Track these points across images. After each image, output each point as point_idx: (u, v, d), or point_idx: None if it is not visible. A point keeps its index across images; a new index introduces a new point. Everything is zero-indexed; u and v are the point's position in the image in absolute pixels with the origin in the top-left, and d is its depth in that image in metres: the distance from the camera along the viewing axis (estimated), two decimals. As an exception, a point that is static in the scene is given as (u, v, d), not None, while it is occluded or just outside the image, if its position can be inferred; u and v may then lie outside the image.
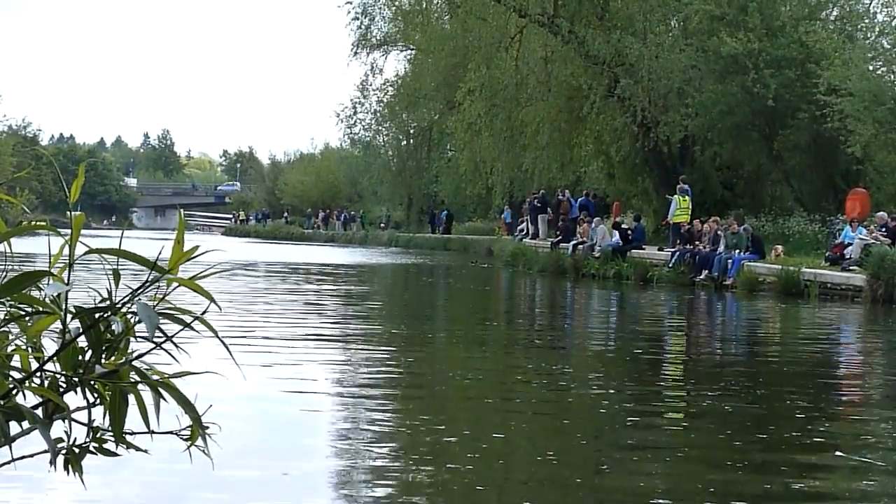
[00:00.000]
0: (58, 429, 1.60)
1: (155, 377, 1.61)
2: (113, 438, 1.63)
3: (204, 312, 1.63)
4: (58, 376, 1.59)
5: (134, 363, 1.60)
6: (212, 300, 1.64)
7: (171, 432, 1.70)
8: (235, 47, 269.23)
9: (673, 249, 24.81)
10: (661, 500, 5.10)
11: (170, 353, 1.62)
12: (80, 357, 1.59)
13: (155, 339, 1.56)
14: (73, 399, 1.61)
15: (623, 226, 27.50)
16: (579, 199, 33.90)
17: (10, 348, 1.59)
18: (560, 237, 30.21)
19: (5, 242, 1.61)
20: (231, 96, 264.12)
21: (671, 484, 5.44)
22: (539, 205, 34.87)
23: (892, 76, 27.53)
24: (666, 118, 30.17)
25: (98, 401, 1.61)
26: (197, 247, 1.65)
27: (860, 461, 6.04)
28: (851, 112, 25.17)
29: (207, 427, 1.68)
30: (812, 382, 9.63)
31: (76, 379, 1.58)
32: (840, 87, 25.52)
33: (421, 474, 5.49)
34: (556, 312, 18.76)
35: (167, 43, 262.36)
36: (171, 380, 1.62)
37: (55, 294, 1.58)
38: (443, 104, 49.47)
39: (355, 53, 54.07)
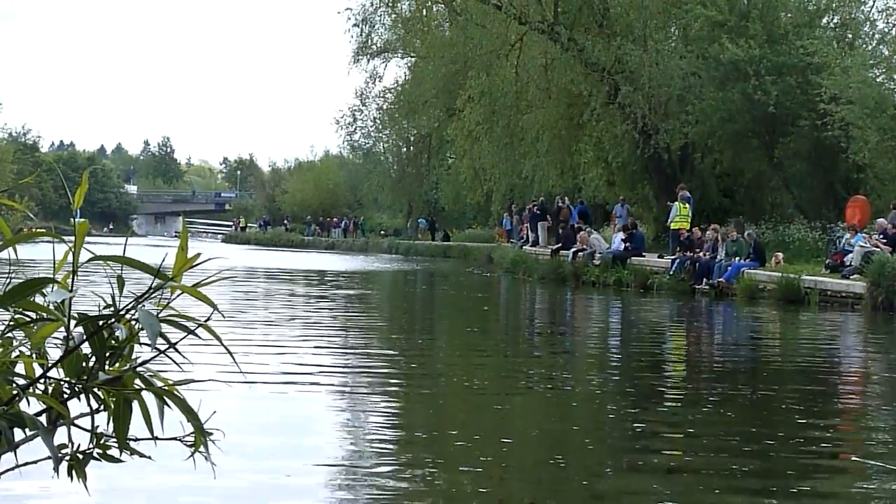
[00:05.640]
0: (62, 435, 1.60)
1: (159, 384, 1.61)
2: (117, 445, 1.63)
3: (207, 319, 1.63)
4: (62, 383, 1.59)
5: (138, 370, 1.61)
6: (214, 308, 1.64)
7: (174, 439, 1.70)
8: (235, 55, 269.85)
9: (673, 257, 24.80)
10: (662, 508, 5.11)
11: (173, 360, 1.63)
12: (84, 364, 1.59)
13: (158, 347, 1.57)
14: (77, 406, 1.61)
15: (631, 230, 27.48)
16: (576, 207, 33.94)
17: (14, 355, 1.59)
18: (560, 244, 30.20)
19: (9, 249, 1.61)
20: (231, 103, 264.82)
21: (674, 489, 5.44)
22: (539, 212, 34.86)
23: (894, 84, 27.54)
24: (666, 125, 30.17)
25: (102, 407, 1.61)
26: (199, 254, 1.66)
27: (862, 466, 6.04)
28: (853, 120, 25.18)
29: (211, 434, 1.69)
30: (813, 390, 9.62)
31: (80, 386, 1.58)
32: (841, 94, 25.53)
33: (423, 479, 5.49)
34: (557, 320, 18.75)
35: (167, 50, 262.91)
36: (174, 387, 1.62)
37: (59, 301, 1.58)
38: (443, 111, 49.48)
39: (356, 61, 54.04)
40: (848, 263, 20.31)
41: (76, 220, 1.61)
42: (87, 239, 1.63)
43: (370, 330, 14.66)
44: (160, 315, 1.58)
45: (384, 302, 21.94)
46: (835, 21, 32.20)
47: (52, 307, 1.58)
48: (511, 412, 7.98)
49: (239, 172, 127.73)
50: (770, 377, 10.43)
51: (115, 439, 1.63)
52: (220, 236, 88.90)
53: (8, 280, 1.60)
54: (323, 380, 8.88)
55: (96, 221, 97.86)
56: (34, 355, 1.61)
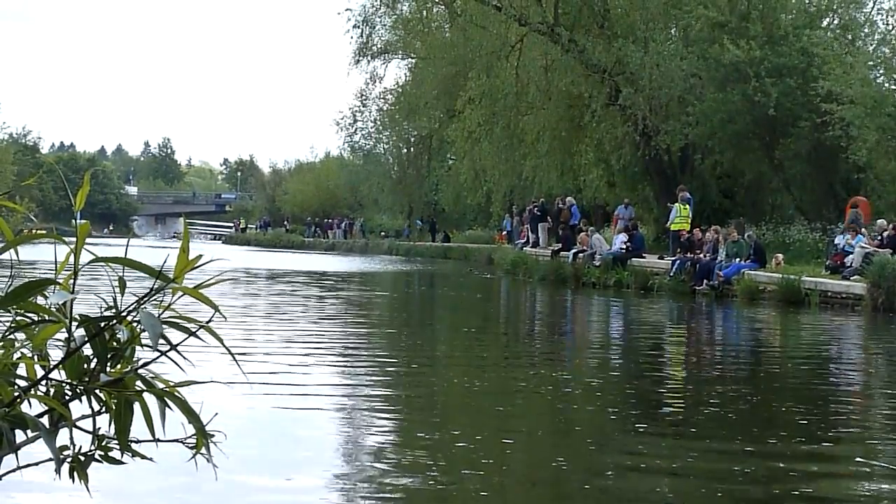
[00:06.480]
0: (64, 437, 1.60)
1: (160, 386, 1.61)
2: (118, 447, 1.63)
3: (209, 321, 1.63)
4: (63, 384, 1.59)
5: (139, 372, 1.60)
6: (216, 309, 1.64)
7: (176, 440, 1.70)
8: (236, 55, 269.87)
9: (673, 258, 24.79)
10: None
11: (175, 362, 1.62)
12: (86, 365, 1.59)
13: (159, 348, 1.56)
14: (78, 407, 1.61)
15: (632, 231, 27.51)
16: (572, 206, 33.88)
17: (15, 356, 1.59)
18: (560, 245, 30.19)
19: (11, 250, 1.61)
20: (232, 104, 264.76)
21: (676, 491, 5.43)
22: (539, 213, 34.85)
23: (893, 84, 27.52)
24: (666, 126, 30.13)
25: (103, 409, 1.61)
26: (200, 255, 1.65)
27: (864, 468, 6.04)
28: (853, 120, 25.17)
29: (212, 436, 1.68)
30: (814, 391, 9.62)
31: (81, 387, 1.58)
32: (841, 95, 25.52)
33: (423, 482, 5.49)
34: (557, 321, 18.75)
35: (168, 51, 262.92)
36: (176, 388, 1.62)
37: (61, 302, 1.58)
38: (443, 112, 49.46)
39: (356, 62, 53.99)
40: (848, 264, 20.31)
41: (77, 221, 1.61)
42: (88, 240, 1.63)
43: (370, 331, 14.66)
44: (161, 317, 1.58)
45: (384, 303, 21.93)
46: (835, 22, 32.18)
47: (53, 309, 1.58)
48: (512, 413, 7.97)
49: (239, 173, 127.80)
50: (771, 379, 10.43)
51: (116, 441, 1.63)
52: (210, 236, 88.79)
53: (9, 282, 1.59)
54: (323, 380, 8.88)
55: (96, 223, 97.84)
56: (36, 357, 1.60)
